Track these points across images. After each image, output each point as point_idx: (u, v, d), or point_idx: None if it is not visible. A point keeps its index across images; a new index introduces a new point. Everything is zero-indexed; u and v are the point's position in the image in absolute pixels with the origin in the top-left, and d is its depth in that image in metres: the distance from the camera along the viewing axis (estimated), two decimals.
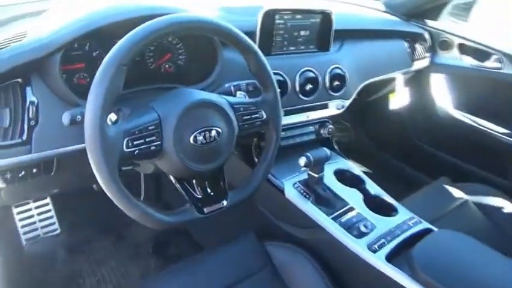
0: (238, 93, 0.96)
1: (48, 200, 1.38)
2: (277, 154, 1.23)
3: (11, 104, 0.81)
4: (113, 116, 0.77)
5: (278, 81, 1.14)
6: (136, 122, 0.75)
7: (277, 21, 1.14)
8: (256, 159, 1.24)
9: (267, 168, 0.94)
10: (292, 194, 1.14)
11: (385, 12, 1.63)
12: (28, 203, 1.36)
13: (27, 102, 0.82)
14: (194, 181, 0.86)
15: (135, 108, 0.83)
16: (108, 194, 0.72)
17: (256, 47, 0.87)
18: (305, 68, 1.20)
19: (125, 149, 0.72)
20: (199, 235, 1.51)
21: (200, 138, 0.79)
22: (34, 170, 0.87)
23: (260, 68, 0.89)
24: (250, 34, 1.11)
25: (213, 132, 0.81)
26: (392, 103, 1.64)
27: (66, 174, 0.88)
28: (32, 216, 1.37)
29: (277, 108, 0.93)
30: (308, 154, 1.05)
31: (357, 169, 1.28)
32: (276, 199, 1.17)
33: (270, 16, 1.12)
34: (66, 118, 0.75)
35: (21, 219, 1.36)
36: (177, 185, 0.84)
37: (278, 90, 0.93)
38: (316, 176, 1.10)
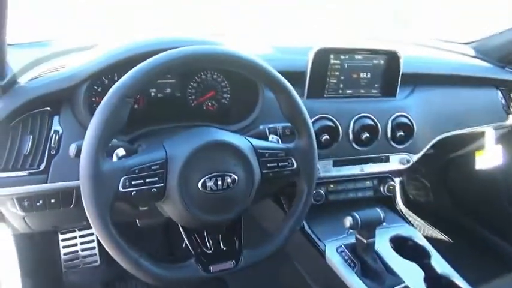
0: (271, 136, 0.85)
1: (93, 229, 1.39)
2: (324, 210, 1.09)
3: (35, 132, 0.82)
4: (120, 151, 0.71)
5: (327, 126, 1.02)
6: (140, 159, 0.68)
7: (332, 61, 1.04)
8: None
9: (294, 227, 0.80)
10: (334, 259, 0.98)
11: (474, 57, 1.41)
12: (74, 231, 1.38)
13: (52, 131, 0.82)
14: (205, 233, 0.76)
15: (149, 145, 0.77)
16: (98, 236, 0.65)
17: (289, 85, 0.76)
18: (362, 114, 1.06)
19: (121, 189, 0.65)
20: (233, 283, 1.38)
21: (210, 184, 0.69)
22: (52, 200, 0.85)
23: (293, 110, 0.78)
24: (301, 74, 1.02)
25: (227, 179, 0.70)
26: (481, 162, 1.38)
27: None
28: (75, 244, 1.38)
29: (311, 158, 0.80)
30: (355, 214, 0.89)
31: (421, 238, 1.07)
32: (315, 261, 1.02)
33: (323, 56, 1.03)
34: (72, 149, 0.71)
35: (64, 247, 1.38)
36: (184, 236, 0.75)
37: (314, 136, 0.80)
38: (364, 241, 0.93)
